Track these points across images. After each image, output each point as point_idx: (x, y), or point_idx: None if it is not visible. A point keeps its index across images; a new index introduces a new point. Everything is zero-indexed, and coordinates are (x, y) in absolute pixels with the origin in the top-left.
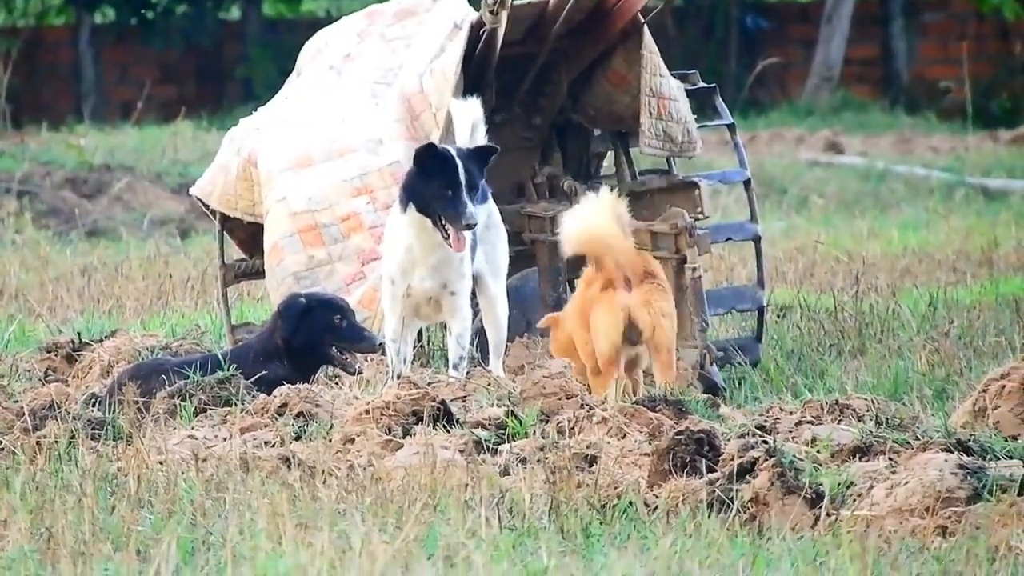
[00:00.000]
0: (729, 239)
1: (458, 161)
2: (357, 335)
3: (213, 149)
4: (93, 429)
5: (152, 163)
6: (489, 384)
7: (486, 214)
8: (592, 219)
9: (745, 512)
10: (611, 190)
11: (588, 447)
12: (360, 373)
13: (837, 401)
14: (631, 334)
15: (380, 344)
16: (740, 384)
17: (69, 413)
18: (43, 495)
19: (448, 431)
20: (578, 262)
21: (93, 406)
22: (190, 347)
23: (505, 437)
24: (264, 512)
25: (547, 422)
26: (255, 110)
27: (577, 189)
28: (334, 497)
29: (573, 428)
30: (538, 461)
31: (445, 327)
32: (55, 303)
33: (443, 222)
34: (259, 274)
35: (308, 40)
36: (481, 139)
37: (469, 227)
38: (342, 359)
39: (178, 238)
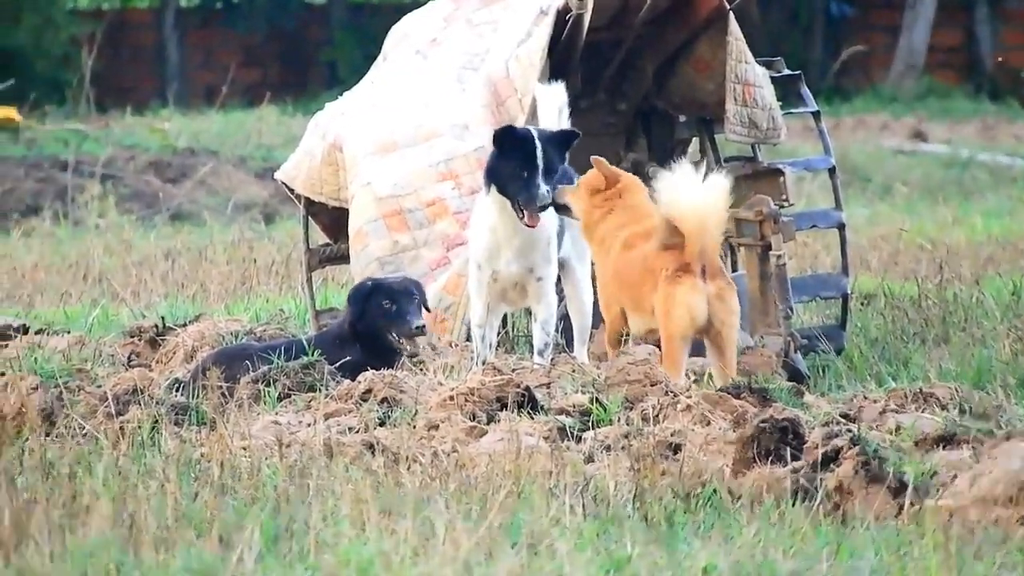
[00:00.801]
0: (814, 226)
1: (537, 142)
2: (399, 318)
3: (298, 133)
4: (176, 414)
5: (236, 147)
6: (573, 371)
7: None
8: (706, 199)
9: (829, 501)
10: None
11: (672, 435)
12: (413, 356)
13: (921, 390)
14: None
15: (419, 327)
16: (824, 372)
17: (152, 398)
18: (126, 481)
19: (532, 418)
20: None
21: (177, 391)
22: (274, 332)
23: (589, 424)
24: (348, 499)
25: (631, 409)
26: (340, 94)
27: (661, 175)
28: (418, 484)
29: (657, 415)
30: (622, 448)
31: (530, 313)
32: (139, 287)
33: (519, 203)
34: (344, 259)
35: (394, 24)
36: (566, 124)
37: (543, 208)
38: (397, 343)
39: (262, 223)
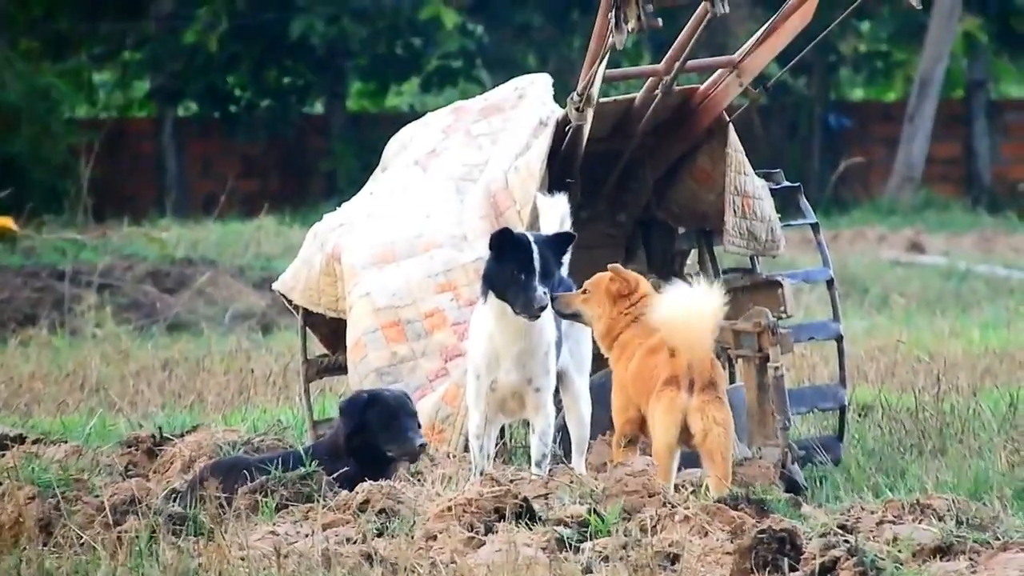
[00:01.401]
0: (811, 338)
1: (533, 246)
2: (400, 435)
3: (296, 244)
4: (174, 525)
5: (234, 257)
6: (571, 481)
7: None
8: (696, 312)
9: None
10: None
11: (670, 545)
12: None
13: (918, 501)
14: (682, 436)
15: (421, 446)
16: (822, 483)
17: (150, 508)
18: None
19: (530, 528)
20: None
21: (174, 501)
22: (272, 443)
23: (587, 535)
24: None
25: (629, 520)
26: (338, 205)
27: (661, 286)
28: None
29: (655, 526)
30: (620, 559)
31: (528, 424)
32: (136, 397)
33: (517, 307)
34: (342, 370)
35: (393, 135)
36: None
37: (541, 309)
38: (396, 458)
39: (260, 333)
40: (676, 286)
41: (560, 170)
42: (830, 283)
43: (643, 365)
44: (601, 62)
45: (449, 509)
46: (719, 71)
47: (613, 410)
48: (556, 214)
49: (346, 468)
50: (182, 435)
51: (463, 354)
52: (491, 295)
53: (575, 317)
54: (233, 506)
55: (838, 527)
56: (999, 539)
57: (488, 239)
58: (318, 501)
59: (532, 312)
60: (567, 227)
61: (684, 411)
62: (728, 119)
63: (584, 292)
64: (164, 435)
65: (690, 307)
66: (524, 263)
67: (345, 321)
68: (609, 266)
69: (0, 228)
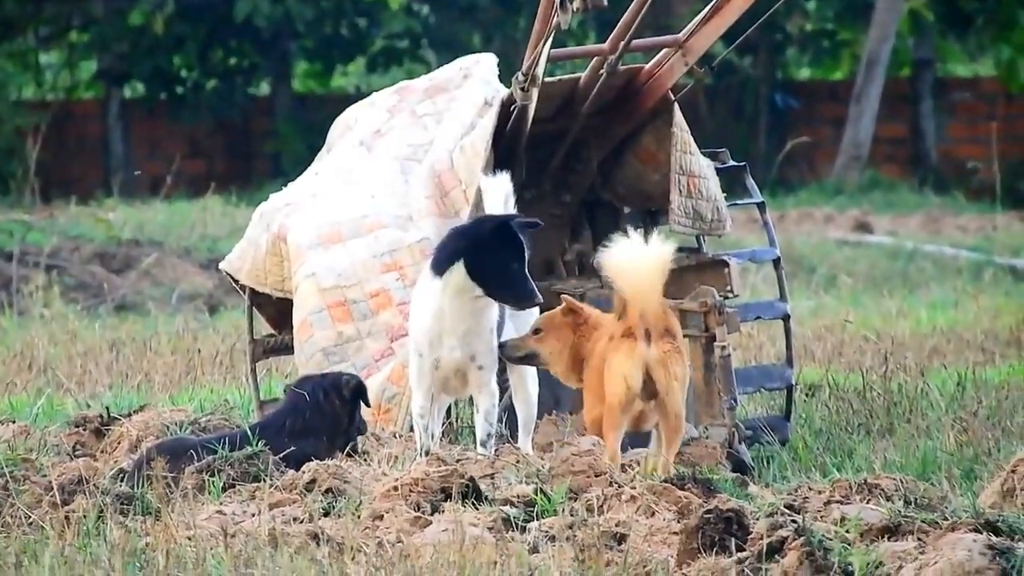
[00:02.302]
0: (758, 318)
1: (523, 238)
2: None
3: (242, 224)
4: (122, 504)
5: (181, 238)
6: (518, 461)
7: None
8: (644, 260)
9: None
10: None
11: (617, 525)
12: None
13: (866, 480)
14: (646, 388)
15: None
16: (769, 463)
17: (98, 488)
18: (72, 570)
19: (477, 508)
20: None
21: (121, 481)
22: (218, 422)
23: (534, 514)
24: None
25: (576, 499)
26: (284, 185)
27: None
28: (363, 574)
29: (602, 506)
30: (567, 539)
31: (473, 404)
32: (83, 377)
33: (510, 299)
34: (288, 350)
35: (338, 116)
36: (511, 212)
37: (537, 305)
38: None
39: (207, 313)
40: (623, 241)
41: (505, 150)
42: (777, 263)
43: (606, 348)
44: (546, 42)
45: (395, 489)
46: (664, 51)
47: (585, 411)
48: (499, 194)
49: (291, 448)
50: (129, 415)
51: (407, 334)
52: (454, 273)
53: (528, 360)
54: (180, 486)
55: (785, 507)
56: (947, 519)
57: (433, 221)
58: (265, 481)
59: (526, 305)
60: (511, 207)
61: (645, 361)
62: (673, 99)
63: (536, 332)
64: (111, 415)
65: (638, 256)
66: (518, 256)
67: (291, 301)
68: (563, 297)
69: None
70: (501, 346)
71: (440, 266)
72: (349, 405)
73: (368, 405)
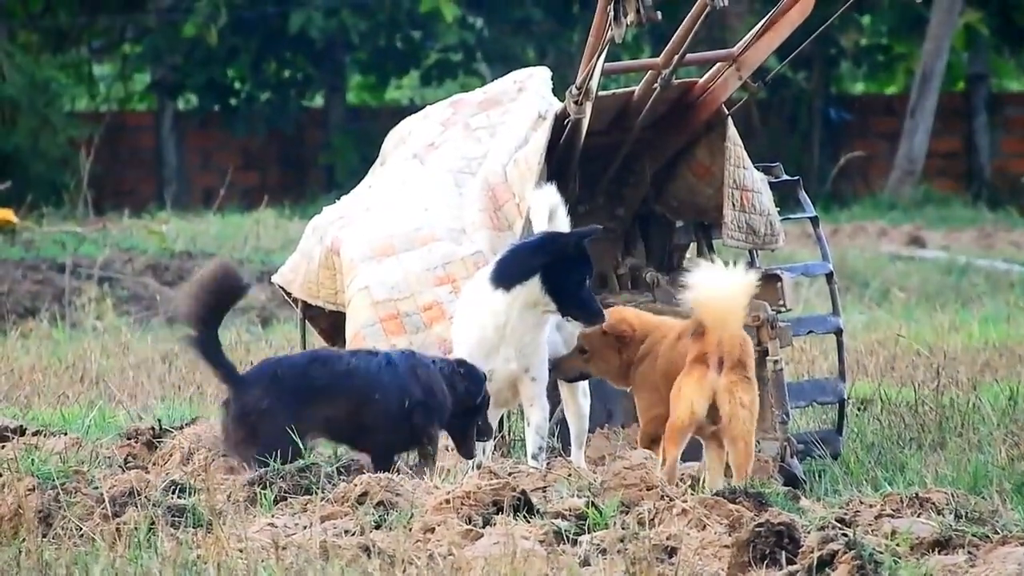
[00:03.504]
0: (811, 332)
1: (588, 254)
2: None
3: (295, 237)
4: (173, 516)
5: (234, 250)
6: (569, 474)
7: None
8: (729, 288)
9: None
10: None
11: (668, 538)
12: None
13: (917, 494)
14: (710, 415)
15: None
16: (820, 477)
17: (149, 500)
18: None
19: (528, 521)
20: None
21: (174, 493)
22: None
23: (585, 528)
24: None
25: (627, 513)
26: (338, 198)
27: (660, 280)
28: None
29: (653, 519)
30: (618, 552)
31: (524, 417)
32: (136, 389)
33: (575, 315)
34: None
35: (392, 128)
36: (562, 226)
37: (602, 323)
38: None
39: (259, 326)
40: (709, 266)
41: (558, 164)
42: (829, 277)
43: (673, 354)
44: (600, 55)
45: (447, 502)
46: (718, 64)
47: (639, 409)
48: (546, 206)
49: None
50: (181, 427)
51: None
52: (522, 287)
53: (581, 378)
54: (231, 498)
55: (836, 521)
56: (998, 533)
57: (487, 234)
58: (316, 493)
59: (596, 322)
60: (558, 219)
61: (713, 390)
62: (727, 113)
63: (583, 352)
64: (163, 427)
65: (722, 284)
66: (586, 271)
67: (344, 314)
68: (612, 311)
69: (0, 221)
70: (554, 368)
71: (509, 280)
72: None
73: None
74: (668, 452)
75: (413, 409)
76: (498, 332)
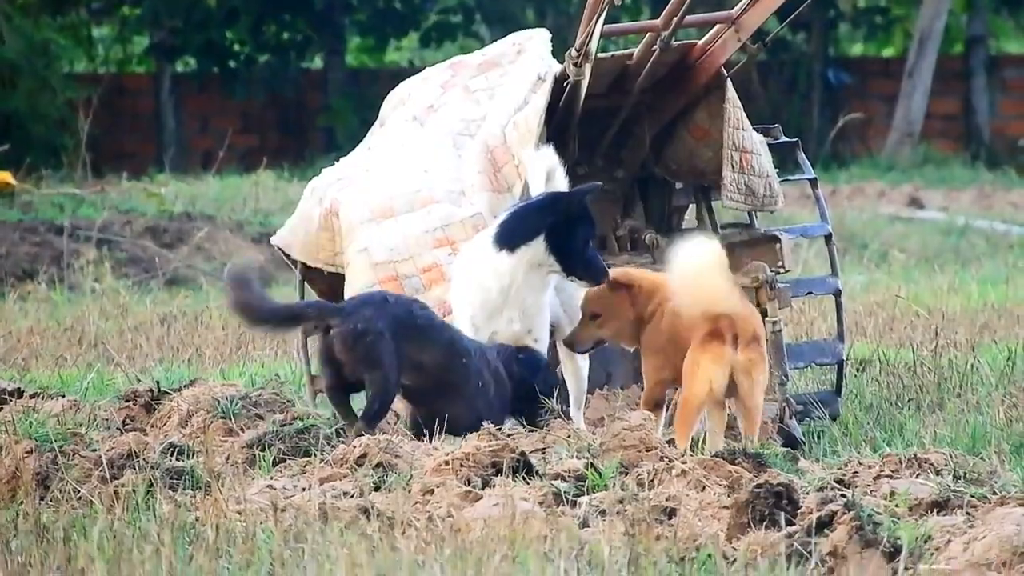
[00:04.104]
0: (810, 293)
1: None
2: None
3: (294, 199)
4: (171, 478)
5: (233, 212)
6: (569, 436)
7: None
8: (705, 283)
9: (823, 565)
10: (705, 238)
11: (667, 499)
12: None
13: (915, 455)
14: (727, 390)
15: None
16: (819, 438)
17: (147, 462)
18: (120, 544)
19: (527, 483)
20: None
21: (174, 455)
22: (269, 397)
23: (584, 489)
24: (343, 563)
25: (627, 474)
26: (337, 160)
27: (659, 242)
28: (413, 548)
29: (652, 480)
30: (617, 513)
31: None
32: (134, 352)
33: (579, 274)
34: None
35: (391, 90)
36: (561, 186)
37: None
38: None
39: None
40: (673, 253)
41: (558, 126)
42: (828, 238)
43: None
44: (599, 17)
45: (446, 463)
46: (717, 27)
47: (645, 372)
48: (543, 167)
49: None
50: (180, 389)
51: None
52: (528, 248)
53: (598, 346)
54: (230, 460)
55: (835, 482)
56: (996, 494)
57: (486, 196)
58: (315, 455)
59: (600, 280)
60: (556, 180)
61: (731, 366)
62: (726, 75)
63: (595, 317)
64: (162, 389)
65: (690, 271)
66: (590, 230)
67: (343, 276)
68: (614, 272)
69: None
70: (569, 343)
71: (513, 241)
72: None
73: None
74: (683, 430)
75: (488, 392)
76: (502, 294)
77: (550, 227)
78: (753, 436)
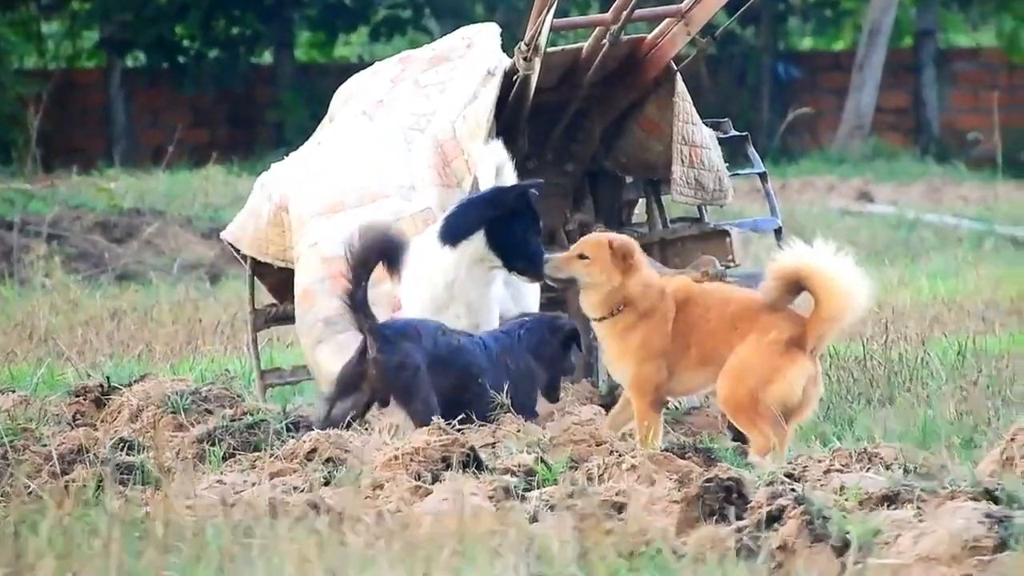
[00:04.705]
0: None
1: (534, 208)
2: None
3: (244, 194)
4: (121, 474)
5: (183, 207)
6: (519, 430)
7: None
8: (866, 289)
9: (773, 560)
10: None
11: (617, 494)
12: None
13: (865, 450)
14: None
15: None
16: None
17: (97, 457)
18: (70, 540)
19: (477, 477)
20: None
21: (123, 450)
22: (219, 392)
23: (534, 484)
24: (292, 558)
25: (576, 469)
26: (286, 155)
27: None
28: (362, 543)
29: (602, 475)
30: (567, 508)
31: None
32: (84, 347)
33: (519, 268)
34: (289, 319)
35: (341, 85)
36: (510, 181)
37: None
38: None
39: (208, 283)
40: (838, 250)
41: (507, 120)
42: (778, 232)
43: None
44: (549, 11)
45: (396, 458)
46: (667, 20)
47: (637, 379)
48: (493, 162)
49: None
50: (130, 384)
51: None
52: (468, 244)
53: (568, 282)
54: (180, 455)
55: (785, 476)
56: (946, 488)
57: (436, 191)
58: (265, 450)
59: (538, 275)
60: (505, 176)
61: (809, 377)
62: (676, 69)
63: (582, 256)
64: (112, 385)
65: (863, 282)
66: (532, 225)
67: (293, 271)
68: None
69: None
70: (549, 264)
71: (455, 236)
72: (562, 347)
73: (581, 350)
74: (762, 430)
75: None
76: (448, 289)
77: (490, 222)
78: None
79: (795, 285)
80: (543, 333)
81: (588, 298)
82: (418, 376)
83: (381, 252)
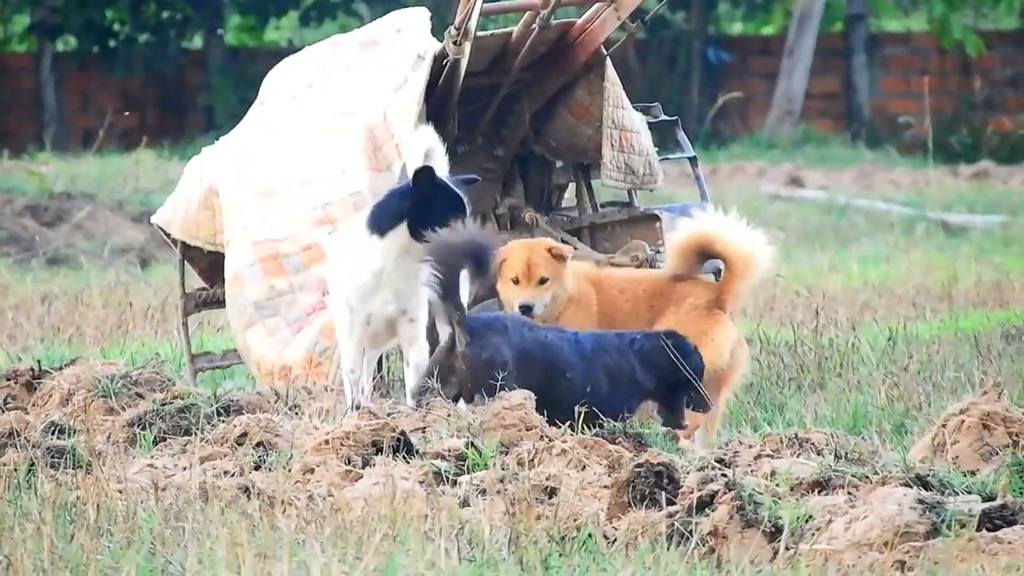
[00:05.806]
0: None
1: (461, 193)
2: None
3: (175, 178)
4: (52, 457)
5: (113, 191)
6: (449, 415)
7: None
8: (767, 248)
9: (704, 545)
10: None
11: (548, 479)
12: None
13: (796, 435)
14: None
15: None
16: None
17: (28, 441)
18: (2, 523)
19: (408, 462)
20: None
21: (55, 434)
22: (150, 376)
23: (465, 468)
24: (223, 542)
25: (507, 453)
26: (217, 139)
27: (538, 220)
28: (293, 527)
29: (533, 460)
30: (498, 492)
31: (403, 357)
32: (15, 331)
33: None
34: (220, 303)
35: (271, 69)
36: (440, 165)
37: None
38: None
39: (139, 267)
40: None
41: (437, 104)
42: None
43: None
44: None
45: (327, 442)
46: (597, 5)
47: None
48: (422, 147)
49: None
50: (61, 368)
51: None
52: (398, 231)
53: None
54: (111, 439)
55: (716, 461)
56: (877, 473)
57: (366, 175)
58: (196, 434)
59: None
60: (435, 160)
61: (734, 341)
62: (606, 53)
63: (542, 283)
64: (43, 368)
65: (763, 241)
66: (456, 209)
67: (223, 255)
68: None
69: None
70: (528, 311)
71: (381, 226)
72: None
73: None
74: (710, 417)
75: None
76: (375, 278)
77: (411, 212)
78: (714, 427)
79: (698, 255)
80: (657, 340)
81: (555, 306)
82: (506, 372)
83: (468, 255)
